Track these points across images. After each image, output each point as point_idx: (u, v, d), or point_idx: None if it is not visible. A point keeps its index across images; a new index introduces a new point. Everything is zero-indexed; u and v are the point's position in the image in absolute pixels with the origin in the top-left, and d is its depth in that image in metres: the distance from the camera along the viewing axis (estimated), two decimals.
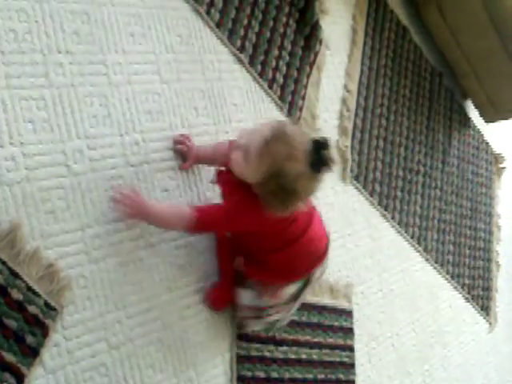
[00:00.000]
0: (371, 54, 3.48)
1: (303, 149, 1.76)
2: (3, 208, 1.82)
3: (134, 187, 2.09)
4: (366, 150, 3.27)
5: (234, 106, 2.62)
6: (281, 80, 2.85)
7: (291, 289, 2.22)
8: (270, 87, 2.78)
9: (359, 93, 3.32)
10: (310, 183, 1.84)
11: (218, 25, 2.61)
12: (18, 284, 1.79)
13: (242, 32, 2.71)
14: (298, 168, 1.76)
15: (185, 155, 2.28)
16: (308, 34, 3.04)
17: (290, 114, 2.84)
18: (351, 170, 3.12)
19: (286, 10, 2.97)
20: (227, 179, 2.07)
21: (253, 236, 2.10)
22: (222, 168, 2.13)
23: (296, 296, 2.25)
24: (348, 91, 3.25)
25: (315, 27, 3.06)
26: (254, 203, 1.92)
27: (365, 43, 3.44)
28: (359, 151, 3.21)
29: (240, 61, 2.69)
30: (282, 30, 2.93)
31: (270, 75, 2.81)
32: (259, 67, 2.76)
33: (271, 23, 2.88)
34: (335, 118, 3.14)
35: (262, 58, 2.78)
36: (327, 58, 3.14)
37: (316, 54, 3.05)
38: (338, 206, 3.03)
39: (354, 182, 3.13)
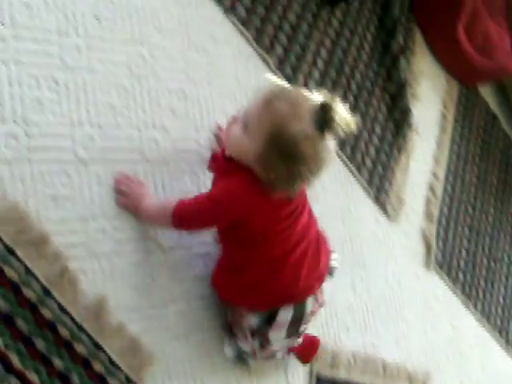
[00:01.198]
0: (460, 141, 3.44)
1: (308, 107, 1.56)
2: (92, 280, 1.83)
3: (139, 179, 1.97)
4: (451, 237, 3.21)
5: (321, 188, 2.60)
6: (369, 164, 2.82)
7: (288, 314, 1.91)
8: (359, 171, 2.75)
9: (446, 179, 3.27)
10: (318, 148, 1.58)
11: None
12: (100, 356, 1.78)
13: None
14: (304, 127, 1.55)
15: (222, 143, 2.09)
16: (398, 119, 3.02)
17: (376, 197, 2.81)
18: (435, 258, 3.05)
19: (378, 94, 2.97)
20: (220, 164, 1.89)
21: (240, 240, 1.85)
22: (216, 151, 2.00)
23: (298, 323, 1.95)
24: (435, 177, 3.20)
25: (406, 112, 3.04)
26: (246, 185, 1.71)
27: (454, 129, 3.41)
28: (444, 238, 3.15)
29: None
30: (372, 113, 2.92)
31: (359, 159, 2.78)
32: (349, 150, 2.74)
33: (363, 107, 2.87)
34: (422, 204, 3.08)
35: (352, 141, 2.77)
36: (416, 143, 3.10)
37: (405, 139, 3.02)
38: (420, 291, 2.96)
39: (438, 268, 3.06)
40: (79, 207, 1.88)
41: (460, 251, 3.24)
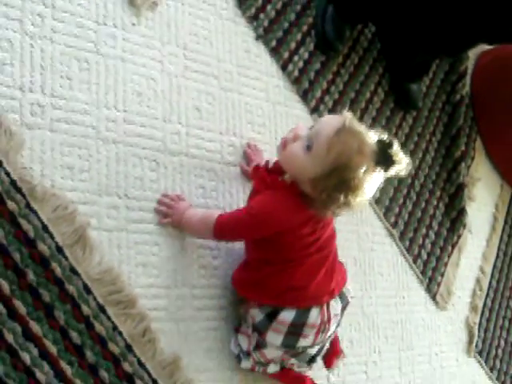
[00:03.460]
0: (508, 241, 3.43)
1: (371, 145, 1.57)
2: (169, 340, 1.88)
3: (181, 194, 1.97)
4: (492, 328, 3.20)
5: (379, 274, 2.60)
6: (424, 256, 2.85)
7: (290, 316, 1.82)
8: (415, 262, 2.79)
9: (492, 275, 3.27)
10: (371, 181, 1.61)
11: (377, 201, 2.63)
12: None
13: (396, 210, 2.75)
14: (366, 163, 1.56)
15: (249, 160, 2.14)
16: (454, 218, 3.05)
17: (428, 288, 2.81)
18: (476, 345, 3.01)
19: (438, 194, 3.00)
20: (262, 175, 1.85)
21: (267, 246, 1.81)
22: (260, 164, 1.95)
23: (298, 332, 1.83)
24: (483, 272, 3.21)
25: (461, 212, 3.07)
26: (288, 201, 1.70)
27: (503, 230, 3.41)
28: (486, 328, 3.12)
29: (392, 235, 2.69)
30: (431, 211, 2.95)
31: (416, 251, 2.81)
32: (407, 243, 2.77)
33: (423, 204, 2.92)
34: (468, 295, 3.08)
35: (411, 234, 2.80)
36: (468, 240, 3.09)
37: (459, 237, 3.04)
38: (460, 375, 2.94)
39: (478, 356, 3.02)
40: (164, 275, 1.91)
41: (499, 341, 3.21)
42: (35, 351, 1.65)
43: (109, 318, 1.79)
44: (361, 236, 2.57)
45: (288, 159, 1.72)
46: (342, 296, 1.91)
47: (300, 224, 1.71)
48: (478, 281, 3.17)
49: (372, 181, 1.60)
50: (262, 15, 2.37)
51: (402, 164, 1.59)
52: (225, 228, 1.80)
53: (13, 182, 1.66)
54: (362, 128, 1.62)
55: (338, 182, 1.58)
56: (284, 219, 1.70)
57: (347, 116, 1.65)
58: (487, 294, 3.20)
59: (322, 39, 2.54)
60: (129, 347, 1.82)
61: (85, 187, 1.80)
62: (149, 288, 1.89)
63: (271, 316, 1.82)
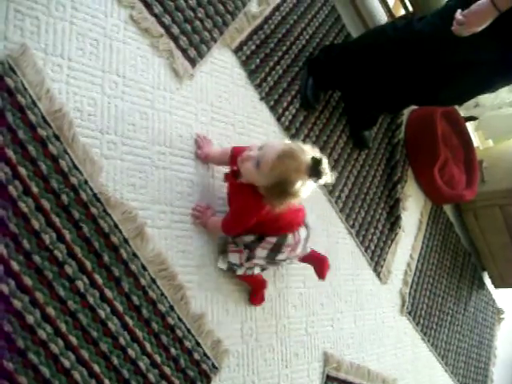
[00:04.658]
0: (428, 237, 3.42)
1: (305, 163, 1.50)
2: (199, 303, 1.85)
3: (209, 204, 1.97)
4: (418, 296, 3.15)
5: (342, 260, 2.59)
6: (372, 247, 2.84)
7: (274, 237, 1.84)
8: (366, 251, 2.78)
9: (418, 260, 3.26)
10: (306, 187, 1.56)
11: (341, 210, 2.62)
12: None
13: (354, 215, 2.74)
14: (301, 178, 1.52)
15: (200, 147, 2.01)
16: (393, 221, 3.04)
17: (375, 268, 2.80)
18: (406, 308, 2.99)
19: (382, 205, 3.01)
20: (231, 181, 1.83)
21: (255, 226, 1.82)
22: (227, 170, 1.89)
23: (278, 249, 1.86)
24: (412, 258, 3.20)
25: (398, 218, 3.06)
26: (255, 200, 1.68)
27: (426, 230, 3.40)
28: (413, 296, 3.09)
29: (350, 233, 2.68)
30: (378, 217, 2.94)
31: (367, 244, 2.80)
32: (361, 238, 2.76)
33: (372, 212, 2.92)
34: (402, 274, 3.07)
35: (363, 232, 2.79)
36: (402, 236, 3.08)
37: (396, 234, 3.03)
38: (396, 328, 2.91)
39: (408, 315, 3.00)
40: (196, 258, 1.96)
41: (423, 305, 3.17)
42: (108, 309, 1.65)
43: (158, 287, 1.78)
44: (329, 233, 2.56)
45: (244, 172, 1.68)
46: (306, 226, 1.92)
47: (267, 213, 1.71)
48: (408, 264, 3.14)
49: (306, 188, 1.56)
50: (264, 84, 2.37)
51: (328, 176, 1.53)
52: (227, 229, 1.84)
53: (94, 194, 1.66)
54: (298, 149, 1.56)
55: (279, 191, 1.57)
56: (256, 212, 1.71)
57: (286, 142, 1.62)
58: (414, 273, 3.18)
59: (305, 100, 2.53)
60: (171, 307, 1.80)
61: (143, 198, 1.80)
62: (185, 267, 1.88)
63: (260, 238, 1.84)
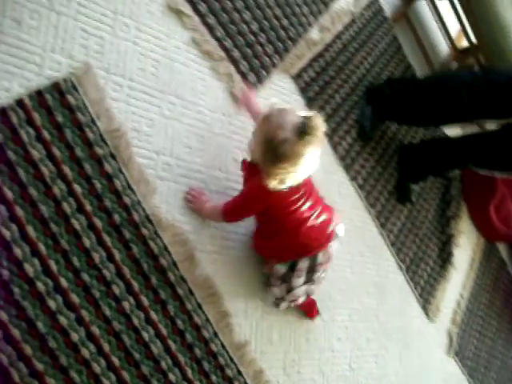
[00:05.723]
0: (481, 276, 3.31)
1: (293, 122, 1.40)
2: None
3: (203, 190, 1.82)
4: (466, 336, 3.03)
5: (390, 295, 2.51)
6: (422, 284, 2.73)
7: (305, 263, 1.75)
8: (415, 287, 2.67)
9: (468, 299, 3.13)
10: (296, 148, 1.40)
11: (392, 244, 2.55)
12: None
13: (405, 250, 2.66)
14: (286, 135, 1.38)
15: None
16: (445, 258, 2.94)
17: (424, 306, 2.69)
18: (454, 349, 2.88)
19: (435, 240, 2.92)
20: (245, 166, 1.73)
21: (266, 217, 1.72)
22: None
23: (312, 271, 1.78)
24: (462, 297, 3.07)
25: (450, 254, 2.96)
26: (260, 183, 1.54)
27: (478, 269, 3.30)
28: (461, 336, 2.98)
29: (401, 268, 2.60)
30: (429, 252, 2.84)
31: (417, 280, 2.70)
32: (411, 274, 2.66)
33: (424, 247, 2.82)
34: (450, 312, 2.95)
35: (414, 268, 2.68)
36: (453, 274, 2.98)
37: (447, 272, 2.92)
38: (440, 371, 2.81)
39: (455, 356, 2.88)
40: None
41: (471, 347, 3.05)
42: (152, 332, 1.63)
43: (203, 312, 1.76)
44: (379, 267, 2.49)
45: (249, 150, 1.64)
46: (336, 235, 1.79)
47: (277, 200, 1.59)
48: (458, 303, 3.02)
49: (296, 146, 1.40)
50: (321, 112, 2.33)
51: (319, 134, 1.40)
52: (229, 212, 1.71)
53: (146, 216, 1.65)
54: (287, 110, 1.47)
55: (270, 154, 1.44)
56: (264, 197, 1.58)
57: (273, 104, 1.53)
58: (464, 312, 3.06)
59: (362, 130, 2.49)
60: (215, 334, 1.78)
61: (194, 222, 1.79)
62: (232, 294, 1.85)
63: (292, 267, 1.76)
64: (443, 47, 3.36)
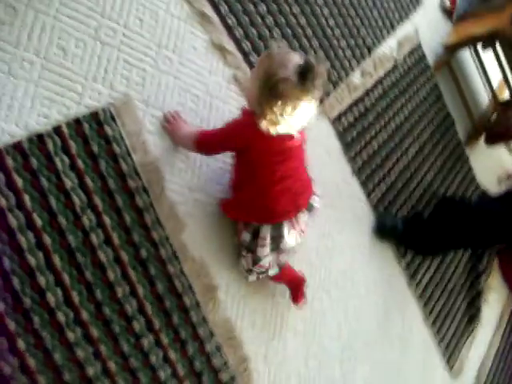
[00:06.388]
0: (508, 334, 3.21)
1: (294, 62, 1.34)
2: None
3: (179, 112, 1.71)
4: None
5: (414, 349, 2.43)
6: (448, 338, 2.67)
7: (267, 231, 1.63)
8: (440, 341, 2.61)
9: (494, 357, 3.05)
10: (297, 90, 1.34)
11: (420, 296, 2.48)
12: None
13: (432, 304, 2.59)
14: (286, 73, 1.32)
15: None
16: (472, 314, 2.87)
17: (448, 361, 2.61)
18: None
19: (463, 295, 2.83)
20: (244, 113, 1.58)
21: (242, 164, 1.61)
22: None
23: (277, 241, 1.66)
24: (487, 355, 3.01)
25: (478, 310, 2.89)
26: (248, 121, 1.47)
27: (506, 327, 3.17)
28: None
29: (427, 321, 2.52)
30: (457, 307, 2.74)
31: (443, 334, 2.64)
32: (437, 328, 2.58)
33: (452, 301, 2.73)
34: (475, 370, 2.90)
35: (440, 322, 2.61)
36: (480, 330, 2.90)
37: (474, 328, 2.84)
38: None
39: None
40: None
41: None
42: (169, 371, 1.60)
43: (222, 355, 1.72)
44: (404, 317, 2.43)
45: (242, 90, 1.58)
46: (309, 207, 1.69)
47: (261, 142, 1.48)
48: (483, 361, 2.94)
49: (296, 88, 1.34)
50: (358, 158, 2.31)
51: (320, 83, 1.35)
52: (204, 140, 1.59)
53: (174, 252, 1.63)
54: (288, 50, 1.42)
55: (268, 90, 1.36)
56: (246, 134, 1.49)
57: (275, 43, 1.47)
58: (489, 370, 2.96)
59: (381, 227, 2.37)
60: (233, 378, 1.73)
61: (220, 263, 1.75)
62: (253, 339, 1.80)
63: (255, 234, 1.64)
64: (484, 98, 3.31)
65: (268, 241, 1.63)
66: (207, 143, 1.59)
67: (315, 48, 2.20)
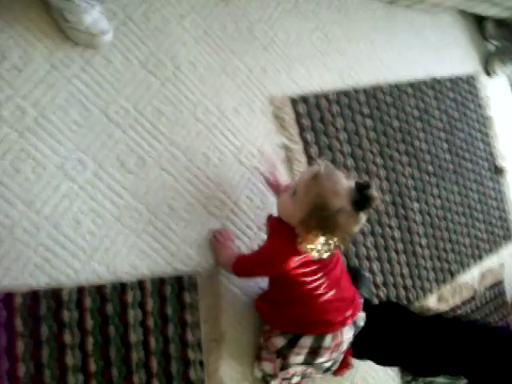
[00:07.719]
0: None
1: (347, 187, 1.28)
2: None
3: (230, 232, 1.68)
4: None
5: None
6: None
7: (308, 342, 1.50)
8: None
9: None
10: (350, 220, 1.28)
11: None
12: None
13: None
14: (340, 203, 1.26)
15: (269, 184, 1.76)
16: None
17: None
18: None
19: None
20: (271, 221, 1.52)
21: (280, 283, 1.51)
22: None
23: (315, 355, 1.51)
24: None
25: None
26: (286, 244, 1.37)
27: None
28: None
29: None
30: None
31: None
32: None
33: None
34: None
35: None
36: None
37: None
38: None
39: None
40: None
41: None
42: None
43: None
44: None
45: (280, 206, 1.47)
46: (354, 322, 1.54)
47: (300, 264, 1.40)
48: None
49: (351, 219, 1.29)
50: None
51: (376, 201, 1.26)
52: (240, 266, 1.52)
53: None
54: (337, 173, 1.34)
55: (319, 220, 1.29)
56: (283, 260, 1.39)
57: (323, 163, 1.37)
58: None
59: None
60: None
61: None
62: None
63: (292, 342, 1.52)
64: None
65: (306, 350, 1.52)
66: (243, 270, 1.55)
67: (401, 263, 2.20)
